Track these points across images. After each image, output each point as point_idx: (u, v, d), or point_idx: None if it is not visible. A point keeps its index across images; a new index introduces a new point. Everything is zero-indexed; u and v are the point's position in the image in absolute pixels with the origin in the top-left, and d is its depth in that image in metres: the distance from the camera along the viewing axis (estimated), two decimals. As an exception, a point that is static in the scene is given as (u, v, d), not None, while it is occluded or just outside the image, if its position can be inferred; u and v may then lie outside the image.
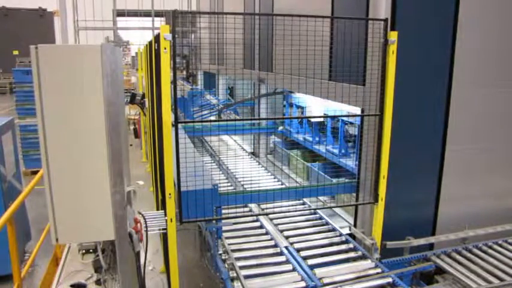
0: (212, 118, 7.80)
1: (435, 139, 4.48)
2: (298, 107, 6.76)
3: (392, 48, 3.88)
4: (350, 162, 5.19)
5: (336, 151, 5.59)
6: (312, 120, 6.30)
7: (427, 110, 4.39)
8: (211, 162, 6.81)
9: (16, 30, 22.73)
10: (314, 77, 4.42)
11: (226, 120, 4.73)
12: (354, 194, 4.49)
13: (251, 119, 7.73)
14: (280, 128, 7.24)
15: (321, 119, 6.12)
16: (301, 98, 6.59)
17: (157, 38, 3.57)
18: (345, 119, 5.37)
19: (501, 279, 3.80)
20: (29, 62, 2.70)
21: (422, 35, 4.19)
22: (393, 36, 3.86)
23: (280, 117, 7.42)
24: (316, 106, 6.10)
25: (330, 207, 4.74)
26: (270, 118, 7.43)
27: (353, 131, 5.43)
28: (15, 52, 22.01)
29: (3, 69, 22.75)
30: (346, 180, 4.62)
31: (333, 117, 5.61)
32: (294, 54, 3.87)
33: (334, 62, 4.55)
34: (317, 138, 6.22)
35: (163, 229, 3.46)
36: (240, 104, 8.12)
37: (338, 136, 5.63)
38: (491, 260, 4.14)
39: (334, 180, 4.94)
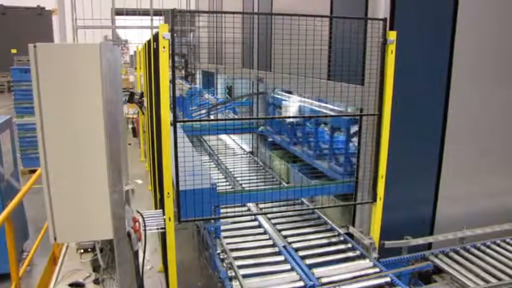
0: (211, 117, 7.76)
1: (433, 139, 4.48)
2: (276, 106, 6.58)
3: (391, 48, 3.89)
4: (324, 164, 5.06)
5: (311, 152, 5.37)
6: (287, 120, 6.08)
7: (426, 109, 4.39)
8: (209, 162, 6.81)
9: (14, 29, 22.65)
10: (313, 76, 4.42)
11: (225, 120, 4.73)
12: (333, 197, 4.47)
13: (249, 119, 7.71)
14: (261, 128, 7.14)
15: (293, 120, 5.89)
16: (280, 97, 6.48)
17: (156, 37, 3.56)
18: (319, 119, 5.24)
19: (499, 279, 3.81)
20: (27, 60, 2.70)
21: (421, 34, 4.19)
22: (392, 36, 3.87)
23: (278, 116, 7.40)
24: (293, 107, 5.86)
25: (328, 207, 4.73)
26: (264, 118, 7.39)
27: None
28: (13, 51, 21.91)
29: (1, 68, 22.66)
30: (345, 179, 4.61)
31: (331, 117, 5.56)
32: (292, 53, 3.87)
33: (332, 62, 4.55)
34: (294, 139, 5.98)
35: (161, 228, 3.46)
36: (237, 104, 8.09)
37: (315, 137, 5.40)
38: (489, 259, 4.15)
39: (313, 182, 4.91)
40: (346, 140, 4.71)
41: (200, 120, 6.98)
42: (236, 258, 3.92)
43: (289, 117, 5.99)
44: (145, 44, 6.68)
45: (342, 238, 4.40)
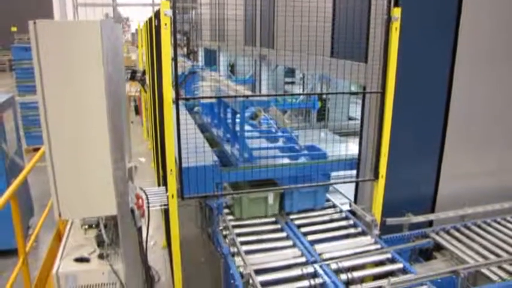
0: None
1: (436, 117, 4.46)
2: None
3: (396, 25, 3.83)
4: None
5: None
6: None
7: (429, 87, 4.36)
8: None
9: (14, 7, 22.46)
10: (316, 53, 4.38)
11: (227, 97, 4.70)
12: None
13: (253, 95, 7.67)
14: (196, 108, 6.95)
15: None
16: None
17: (157, 14, 3.53)
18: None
19: (498, 256, 3.85)
20: (28, 39, 2.68)
21: (426, 12, 4.13)
22: (396, 13, 3.81)
23: (280, 93, 7.37)
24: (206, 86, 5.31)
25: (331, 184, 4.75)
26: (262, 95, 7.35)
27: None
28: (13, 29, 21.74)
29: (1, 46, 22.53)
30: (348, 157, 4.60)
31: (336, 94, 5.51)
32: (295, 30, 3.82)
33: (336, 39, 4.50)
34: (215, 121, 5.73)
35: (164, 205, 3.50)
36: (239, 81, 8.01)
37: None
38: (489, 237, 4.18)
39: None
40: (241, 122, 4.42)
41: (202, 97, 6.94)
42: (238, 234, 3.96)
43: (296, 94, 5.95)
44: (146, 22, 6.61)
45: (343, 215, 4.43)
